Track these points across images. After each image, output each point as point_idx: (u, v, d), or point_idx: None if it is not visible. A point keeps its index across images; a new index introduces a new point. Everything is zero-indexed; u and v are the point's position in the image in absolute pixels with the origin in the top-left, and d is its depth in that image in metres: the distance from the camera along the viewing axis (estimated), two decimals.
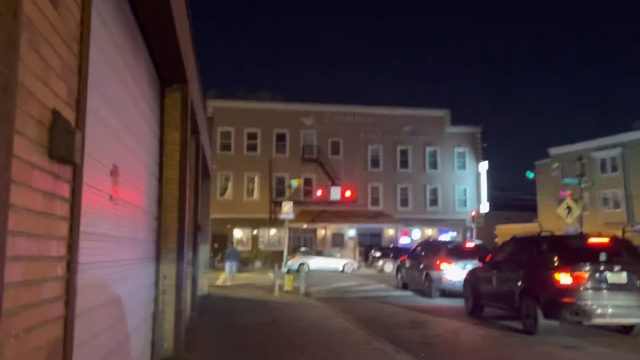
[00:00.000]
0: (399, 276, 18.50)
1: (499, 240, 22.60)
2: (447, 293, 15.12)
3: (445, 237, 40.38)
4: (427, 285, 15.50)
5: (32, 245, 2.18)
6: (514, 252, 11.05)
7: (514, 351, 8.47)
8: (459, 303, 13.81)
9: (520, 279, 10.03)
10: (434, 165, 41.06)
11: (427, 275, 15.45)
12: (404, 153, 40.68)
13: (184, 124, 7.30)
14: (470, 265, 14.27)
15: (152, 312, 6.96)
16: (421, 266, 16.06)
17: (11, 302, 1.91)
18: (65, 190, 2.61)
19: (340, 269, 30.18)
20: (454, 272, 14.64)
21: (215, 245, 34.10)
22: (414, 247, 19.30)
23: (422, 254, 16.54)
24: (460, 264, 14.69)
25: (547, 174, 47.89)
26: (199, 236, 11.26)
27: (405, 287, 18.04)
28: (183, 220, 7.44)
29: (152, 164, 6.60)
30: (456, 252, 15.23)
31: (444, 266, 14.79)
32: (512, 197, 52.09)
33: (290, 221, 31.21)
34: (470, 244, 15.64)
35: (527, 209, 49.06)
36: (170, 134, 7.12)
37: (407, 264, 17.67)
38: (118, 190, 4.48)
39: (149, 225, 6.51)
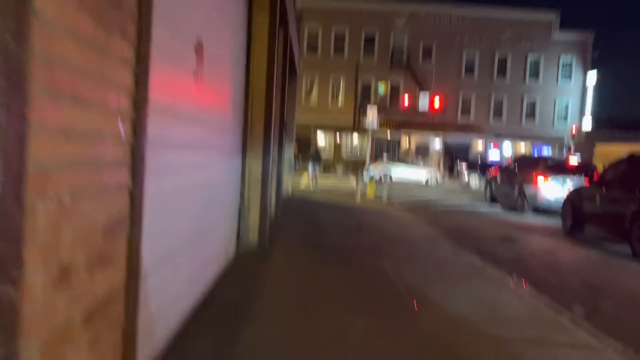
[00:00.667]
0: (488, 191, 17.60)
1: (597, 161, 20.59)
2: (540, 211, 14.17)
3: (540, 153, 38.02)
4: (519, 202, 14.58)
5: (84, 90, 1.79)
6: (628, 172, 9.86)
7: (620, 276, 7.71)
8: (553, 222, 12.88)
9: (633, 200, 9.00)
10: (535, 75, 37.74)
11: (521, 190, 14.47)
12: (502, 61, 37.57)
13: (273, 7, 6.69)
14: (571, 183, 13.13)
15: (238, 206, 6.88)
16: (515, 181, 15.05)
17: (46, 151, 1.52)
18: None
19: (423, 180, 29.53)
20: (552, 190, 13.56)
21: (298, 149, 34.49)
22: (507, 161, 18.10)
23: (518, 168, 15.41)
24: (560, 181, 13.54)
25: None
26: (285, 134, 11.02)
27: (493, 202, 17.20)
28: (270, 113, 7.08)
29: (239, 50, 6.15)
30: (556, 168, 14.01)
31: (542, 182, 13.71)
32: (620, 114, 47.35)
33: (374, 129, 30.53)
34: (573, 161, 14.30)
35: (636, 127, 44.55)
36: (258, 18, 6.57)
37: (499, 179, 16.67)
38: (202, 69, 4.08)
39: (235, 115, 6.21)
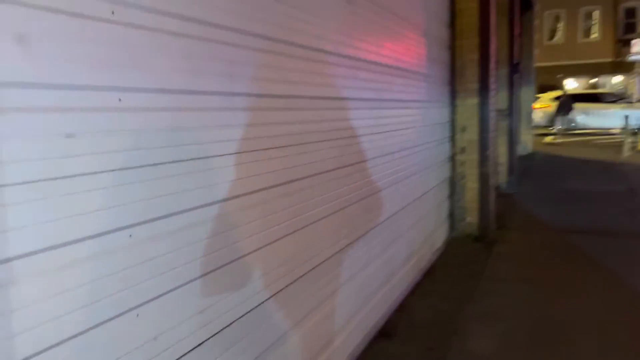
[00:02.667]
0: None
1: None
2: None
3: None
4: None
5: None
6: None
7: None
8: None
9: None
10: None
11: None
12: None
13: None
14: None
15: (448, 176, 5.17)
16: None
17: None
18: None
19: None
20: None
21: (545, 98, 29.84)
22: None
23: None
24: None
25: None
26: (517, 80, 8.65)
27: None
28: (487, 51, 5.11)
29: None
30: None
31: None
32: None
33: None
34: None
35: None
36: None
37: None
38: None
39: (434, 54, 4.48)
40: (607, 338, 3.02)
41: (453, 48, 5.09)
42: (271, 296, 2.00)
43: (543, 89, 31.85)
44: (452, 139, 5.20)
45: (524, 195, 7.70)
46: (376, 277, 3.16)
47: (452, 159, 5.22)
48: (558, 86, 31.57)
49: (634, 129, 14.17)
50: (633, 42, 22.48)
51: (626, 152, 12.42)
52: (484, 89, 5.07)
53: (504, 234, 5.40)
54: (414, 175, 4.02)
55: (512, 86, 8.13)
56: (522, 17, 13.02)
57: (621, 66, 30.29)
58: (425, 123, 4.36)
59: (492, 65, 5.21)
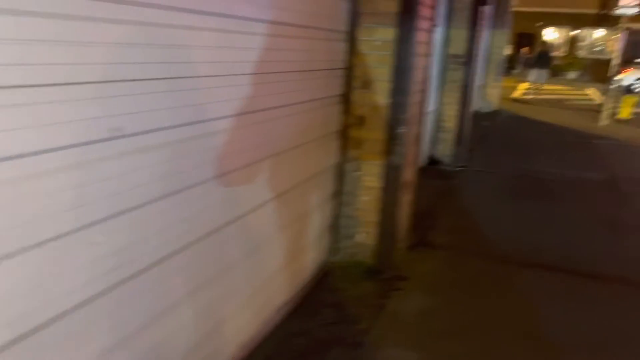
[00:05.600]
0: None
1: None
2: None
3: None
4: None
5: None
6: None
7: None
8: None
9: None
10: None
11: None
12: None
13: None
14: None
15: (332, 163, 2.99)
16: None
17: None
18: None
19: None
20: None
21: (519, 47, 27.53)
22: None
23: None
24: None
25: None
26: (483, 15, 6.33)
27: None
28: None
29: None
30: None
31: None
32: None
33: (629, 20, 22.01)
34: None
35: None
36: None
37: None
38: None
39: None
40: None
41: None
42: None
43: (520, 37, 29.52)
44: (346, 99, 2.96)
45: (471, 177, 5.64)
46: None
47: (343, 134, 3.01)
48: (536, 35, 29.28)
49: (626, 89, 12.23)
50: None
51: (604, 120, 10.49)
52: (407, 14, 2.79)
53: (418, 261, 3.33)
54: (251, 166, 1.89)
55: (475, 23, 5.83)
56: None
57: (606, 19, 28.03)
58: (285, 66, 2.14)
59: None
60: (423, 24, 2.93)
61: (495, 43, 10.79)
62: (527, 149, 7.45)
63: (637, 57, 26.80)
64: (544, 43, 17.22)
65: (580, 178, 5.79)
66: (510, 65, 27.03)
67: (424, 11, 2.91)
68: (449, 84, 5.89)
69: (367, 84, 2.91)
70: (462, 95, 6.00)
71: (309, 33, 2.46)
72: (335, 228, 3.14)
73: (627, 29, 24.83)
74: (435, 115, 5.93)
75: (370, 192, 3.03)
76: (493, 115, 10.57)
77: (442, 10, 5.31)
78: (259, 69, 2.04)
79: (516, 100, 14.32)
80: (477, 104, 10.51)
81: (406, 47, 2.83)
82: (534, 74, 15.04)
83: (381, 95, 2.89)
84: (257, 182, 2.21)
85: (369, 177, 3.01)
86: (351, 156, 3.02)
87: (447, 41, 5.73)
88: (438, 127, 6.00)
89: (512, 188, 5.33)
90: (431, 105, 5.75)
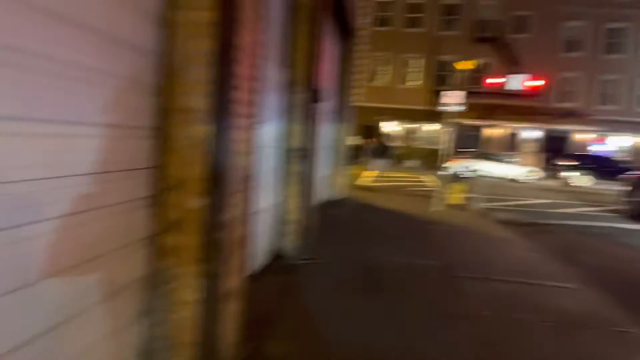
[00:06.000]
0: (632, 200, 12.18)
1: None
2: None
3: None
4: None
5: None
6: None
7: None
8: None
9: None
10: None
11: None
12: (614, 33, 30.70)
13: None
14: None
15: (140, 275, 2.54)
16: None
17: None
18: None
19: (514, 177, 24.06)
20: None
21: (364, 138, 29.88)
22: None
23: None
24: None
25: None
26: (317, 110, 6.56)
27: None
28: (230, 35, 2.65)
29: None
30: None
31: None
32: None
33: (454, 115, 25.33)
34: None
35: None
36: None
37: None
38: None
39: (116, 28, 1.82)
40: None
41: (169, 24, 2.56)
42: None
43: (363, 129, 32.14)
44: (156, 201, 2.61)
45: (317, 271, 5.49)
46: None
47: (153, 241, 2.62)
48: (379, 127, 32.11)
49: (455, 177, 13.46)
50: (442, 93, 23.15)
51: (437, 206, 11.37)
52: (220, 112, 2.60)
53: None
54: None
55: (312, 118, 5.98)
56: (343, 44, 11.46)
57: (436, 115, 31.89)
58: (70, 169, 1.75)
59: (247, 65, 2.80)
60: (240, 122, 2.76)
61: (340, 135, 11.37)
62: (371, 236, 7.63)
63: (464, 148, 30.64)
64: (386, 135, 18.68)
65: (419, 265, 5.97)
66: (357, 154, 29.08)
67: (241, 109, 2.76)
68: (290, 177, 5.85)
69: (180, 185, 2.61)
70: (304, 187, 5.99)
71: (101, 130, 2.13)
72: (148, 354, 2.65)
73: (454, 123, 28.40)
74: (278, 209, 5.80)
75: (186, 307, 2.63)
76: (340, 203, 10.90)
77: (276, 105, 5.34)
78: (37, 175, 1.64)
79: (362, 187, 15.11)
80: (324, 193, 10.77)
81: (222, 145, 2.62)
82: (377, 162, 16.17)
83: (196, 197, 2.60)
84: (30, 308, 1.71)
85: (185, 289, 2.63)
86: (163, 266, 2.63)
87: (286, 135, 5.75)
88: (282, 220, 5.86)
89: (355, 281, 5.26)
90: (272, 200, 5.62)
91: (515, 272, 6.09)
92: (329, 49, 9.67)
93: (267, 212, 5.41)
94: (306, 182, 5.97)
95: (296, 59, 5.69)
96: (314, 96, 5.97)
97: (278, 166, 5.67)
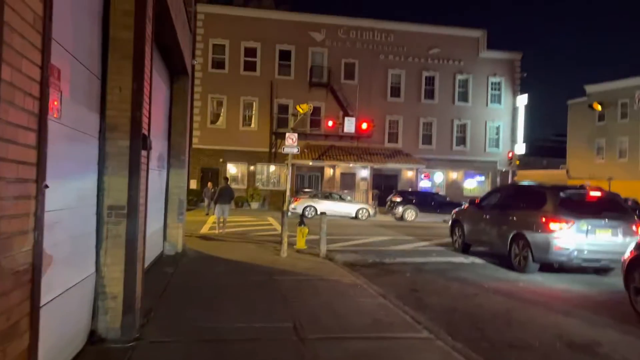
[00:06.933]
0: (457, 233, 13.05)
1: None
2: (554, 267, 9.82)
3: (472, 182, 35.16)
4: (517, 253, 10.12)
5: None
6: None
7: None
8: (585, 285, 8.59)
9: None
10: (464, 96, 34.88)
11: (520, 237, 10.04)
12: (430, 80, 34.39)
13: None
14: (608, 227, 9.09)
15: None
16: (506, 222, 10.64)
17: None
18: None
19: (353, 214, 25.00)
20: (573, 237, 9.26)
21: (202, 182, 28.70)
22: (489, 192, 13.70)
23: (509, 203, 11.03)
24: (585, 223, 9.30)
25: (581, 114, 42.21)
26: (148, 157, 5.64)
27: (466, 249, 12.70)
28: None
29: None
30: (574, 204, 9.71)
31: (557, 226, 9.34)
32: (549, 139, 46.56)
33: (294, 157, 25.69)
34: (595, 193, 10.08)
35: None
36: None
37: (473, 217, 12.23)
38: None
39: None
40: None
41: None
42: None
43: (204, 172, 31.01)
44: None
45: (145, 355, 4.48)
46: None
47: None
48: (219, 170, 31.22)
49: (301, 218, 13.12)
50: (287, 135, 23.44)
51: (284, 252, 10.90)
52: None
53: None
54: None
55: (137, 168, 5.05)
56: (174, 84, 10.62)
57: (276, 157, 32.09)
58: None
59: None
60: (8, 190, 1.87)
61: (174, 183, 10.38)
62: (213, 297, 6.78)
63: (307, 188, 31.20)
64: (226, 178, 17.93)
65: (270, 330, 5.30)
66: (197, 200, 27.77)
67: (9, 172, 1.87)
68: (110, 241, 4.82)
69: None
70: (129, 250, 4.98)
71: None
72: None
73: (295, 164, 28.78)
74: (93, 281, 4.70)
75: None
76: (178, 258, 9.83)
77: (89, 157, 4.36)
78: None
79: (203, 237, 14.09)
80: (157, 249, 9.63)
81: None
82: (218, 208, 15.26)
83: None
84: None
85: None
86: None
87: (103, 191, 4.75)
88: (99, 295, 4.76)
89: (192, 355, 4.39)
90: (89, 270, 4.54)
91: (369, 325, 5.76)
92: (160, 90, 8.79)
93: (81, 287, 4.31)
94: (131, 243, 4.97)
95: (114, 100, 4.79)
96: (141, 142, 5.07)
97: (93, 230, 4.63)
